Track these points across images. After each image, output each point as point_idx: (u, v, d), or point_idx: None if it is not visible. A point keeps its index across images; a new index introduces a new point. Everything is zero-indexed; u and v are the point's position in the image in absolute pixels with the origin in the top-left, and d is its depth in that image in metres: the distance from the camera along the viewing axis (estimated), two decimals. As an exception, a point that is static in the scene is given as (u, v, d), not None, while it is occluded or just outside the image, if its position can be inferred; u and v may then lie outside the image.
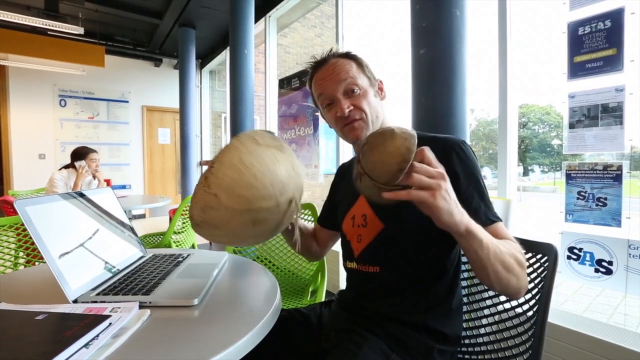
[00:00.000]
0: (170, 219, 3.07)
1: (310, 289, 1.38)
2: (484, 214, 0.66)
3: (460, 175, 0.67)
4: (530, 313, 0.69)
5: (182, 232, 2.19)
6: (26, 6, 3.77)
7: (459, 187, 0.67)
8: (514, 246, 0.61)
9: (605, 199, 1.23)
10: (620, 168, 1.21)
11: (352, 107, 0.74)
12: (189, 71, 4.48)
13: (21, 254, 1.25)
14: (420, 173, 0.49)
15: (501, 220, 0.67)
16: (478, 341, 0.80)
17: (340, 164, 0.99)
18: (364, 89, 0.75)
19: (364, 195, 0.54)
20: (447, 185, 0.50)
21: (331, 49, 0.79)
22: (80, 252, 0.66)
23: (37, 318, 0.50)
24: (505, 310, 0.76)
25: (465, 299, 0.84)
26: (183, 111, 4.51)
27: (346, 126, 0.76)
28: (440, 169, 0.51)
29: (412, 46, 1.47)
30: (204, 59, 5.47)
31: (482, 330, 0.80)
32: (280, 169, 0.58)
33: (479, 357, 0.78)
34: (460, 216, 0.51)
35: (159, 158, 5.77)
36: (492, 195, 0.71)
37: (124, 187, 5.35)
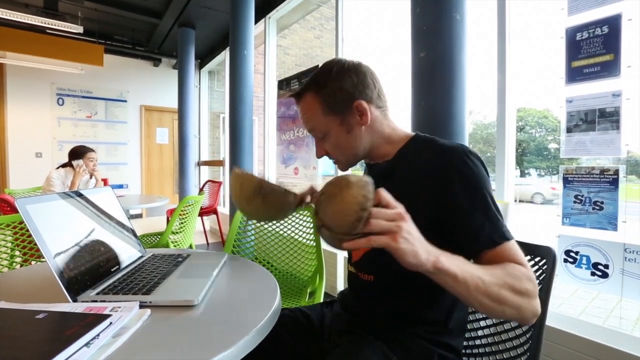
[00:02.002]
0: (168, 219, 3.06)
1: (309, 290, 1.38)
2: (488, 235, 0.59)
3: (459, 189, 0.62)
4: (528, 315, 0.70)
5: (180, 232, 2.18)
6: (25, 4, 3.76)
7: (457, 204, 0.62)
8: (512, 273, 0.54)
9: (602, 202, 1.24)
10: (616, 172, 1.22)
11: (323, 153, 0.77)
12: (188, 71, 4.48)
13: (17, 252, 1.24)
14: (379, 217, 0.49)
15: (511, 239, 0.60)
16: (476, 343, 0.80)
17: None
18: (330, 133, 0.73)
19: (327, 243, 0.55)
20: (407, 226, 0.49)
21: (302, 80, 0.80)
22: (79, 251, 0.66)
23: (37, 317, 0.50)
24: (503, 313, 0.77)
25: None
26: (181, 111, 4.50)
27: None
28: (399, 208, 0.50)
29: (412, 49, 1.48)
30: (203, 59, 5.47)
31: (481, 332, 0.80)
32: None
33: (477, 359, 0.79)
34: (427, 254, 0.50)
35: (157, 158, 5.75)
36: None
37: (121, 186, 5.32)
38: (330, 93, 0.70)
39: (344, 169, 0.79)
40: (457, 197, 0.62)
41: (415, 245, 0.49)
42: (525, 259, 0.59)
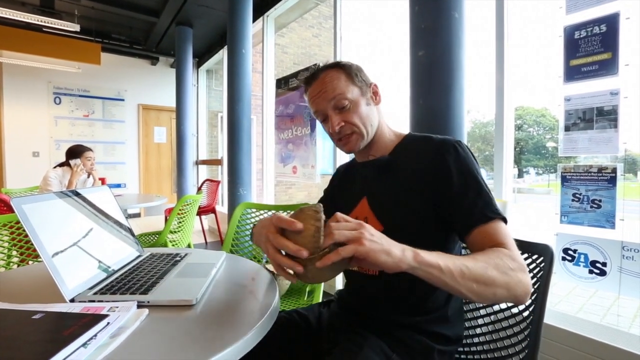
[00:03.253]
0: (166, 218, 3.05)
1: (308, 289, 1.38)
2: (480, 211, 0.64)
3: (452, 172, 0.68)
4: (526, 313, 0.70)
5: (178, 231, 2.18)
6: (21, 2, 3.73)
7: (451, 185, 0.67)
8: (495, 254, 0.57)
9: (600, 201, 1.25)
10: (614, 170, 1.22)
11: (342, 124, 0.76)
12: (185, 70, 4.46)
13: (14, 252, 1.24)
14: (340, 229, 0.51)
15: (503, 218, 0.64)
16: (475, 341, 0.81)
17: (338, 165, 1.00)
18: (354, 101, 0.76)
19: (309, 282, 0.58)
20: (370, 230, 0.52)
21: (320, 63, 0.82)
22: (77, 251, 0.66)
23: (33, 317, 0.50)
24: (502, 310, 0.77)
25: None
26: (179, 110, 4.49)
27: (340, 140, 0.80)
28: (358, 220, 0.54)
29: (410, 48, 1.48)
30: (200, 58, 5.45)
31: (479, 330, 0.81)
32: None
33: (476, 356, 0.79)
34: (402, 252, 0.51)
35: (155, 157, 5.73)
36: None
37: (119, 185, 5.31)
38: (352, 71, 0.78)
39: (354, 146, 0.79)
40: (452, 180, 0.68)
41: (383, 244, 0.51)
42: (512, 242, 0.61)
